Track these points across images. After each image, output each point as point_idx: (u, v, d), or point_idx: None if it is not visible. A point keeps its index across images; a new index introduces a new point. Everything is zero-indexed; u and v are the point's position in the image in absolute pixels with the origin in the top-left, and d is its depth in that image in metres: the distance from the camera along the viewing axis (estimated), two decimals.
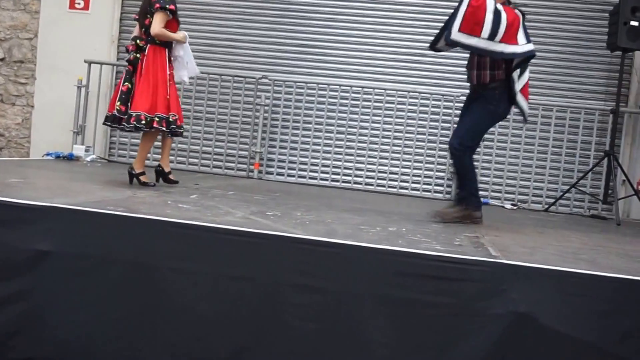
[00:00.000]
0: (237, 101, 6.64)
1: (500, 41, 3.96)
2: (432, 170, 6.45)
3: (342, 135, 6.54)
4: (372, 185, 6.49)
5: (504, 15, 3.94)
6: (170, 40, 4.64)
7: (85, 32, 6.89)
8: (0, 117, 7.26)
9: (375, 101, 6.48)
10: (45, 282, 2.99)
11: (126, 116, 4.50)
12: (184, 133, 4.97)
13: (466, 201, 4.27)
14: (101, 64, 6.76)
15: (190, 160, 6.71)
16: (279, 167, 6.63)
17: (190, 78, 5.17)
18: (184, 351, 2.88)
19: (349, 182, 6.51)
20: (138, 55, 4.61)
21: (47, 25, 7.04)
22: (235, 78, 6.58)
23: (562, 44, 6.34)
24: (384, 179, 6.49)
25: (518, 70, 4.14)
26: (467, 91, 6.42)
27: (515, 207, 6.16)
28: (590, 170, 5.99)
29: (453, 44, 4.16)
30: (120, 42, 6.94)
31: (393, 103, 6.46)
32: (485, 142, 6.33)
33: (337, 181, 6.53)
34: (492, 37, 3.94)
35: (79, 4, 6.97)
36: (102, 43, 6.91)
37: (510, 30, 3.97)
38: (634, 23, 5.48)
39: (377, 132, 6.49)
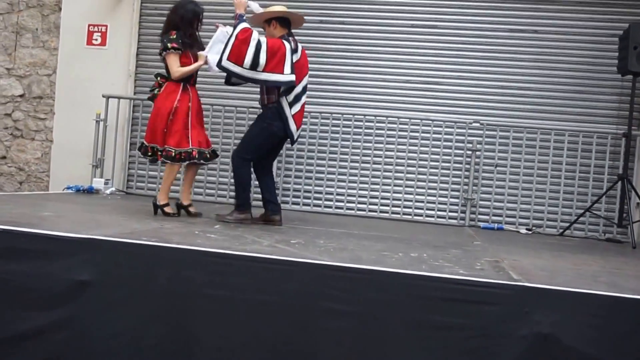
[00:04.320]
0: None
1: (264, 70, 4.51)
2: (446, 197, 6.51)
3: (357, 164, 6.63)
4: (386, 212, 6.55)
5: (264, 47, 4.48)
6: (188, 73, 4.79)
7: (102, 67, 7.05)
8: (20, 152, 7.40)
9: (388, 129, 6.57)
10: (84, 311, 3.12)
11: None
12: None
13: (242, 206, 4.79)
14: (119, 98, 6.89)
15: (207, 191, 6.81)
16: (294, 196, 6.70)
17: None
18: None
19: (364, 210, 6.58)
20: (157, 92, 4.81)
21: (66, 62, 7.21)
22: (250, 109, 6.70)
23: (573, 69, 6.44)
24: (399, 206, 6.55)
25: (292, 96, 4.69)
26: (480, 117, 6.62)
27: (530, 232, 6.20)
28: (604, 194, 6.03)
29: (225, 71, 4.64)
30: (137, 76, 7.12)
31: (406, 131, 6.55)
32: (499, 168, 6.43)
33: (352, 209, 6.60)
34: (254, 67, 4.49)
35: (96, 40, 7.14)
36: (119, 78, 7.07)
37: (272, 60, 4.51)
38: None
39: (391, 159, 6.57)
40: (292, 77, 4.60)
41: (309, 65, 5.04)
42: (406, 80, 6.69)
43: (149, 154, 4.84)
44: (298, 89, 4.74)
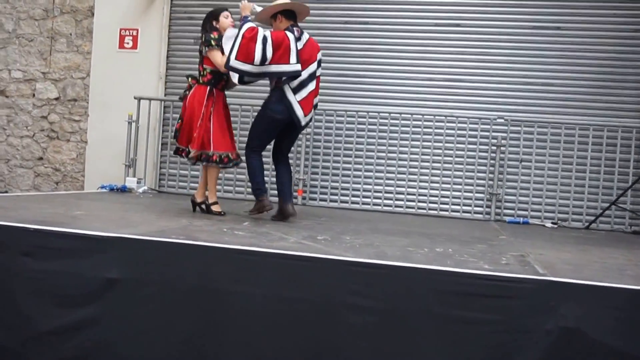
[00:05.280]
0: None
1: (271, 63, 4.61)
2: (471, 192, 6.56)
3: (382, 160, 6.71)
4: (412, 208, 6.62)
5: (269, 41, 4.59)
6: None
7: (134, 70, 7.22)
8: (56, 153, 7.64)
9: (413, 126, 6.64)
10: (113, 309, 3.16)
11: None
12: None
13: (258, 195, 4.86)
14: (150, 99, 7.05)
15: (237, 189, 6.96)
16: (321, 192, 6.81)
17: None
18: None
19: (390, 206, 6.66)
20: (186, 93, 4.94)
21: (99, 65, 7.41)
22: None
23: (596, 64, 6.44)
24: (425, 202, 6.62)
25: (295, 83, 4.75)
26: (504, 114, 6.64)
27: (555, 226, 6.22)
28: (630, 187, 6.03)
29: (234, 71, 4.70)
30: (168, 78, 7.28)
31: (431, 127, 6.61)
32: (524, 163, 6.46)
33: (379, 205, 6.68)
34: (263, 62, 4.59)
35: (127, 43, 7.32)
36: (150, 80, 7.24)
37: (277, 52, 4.61)
38: None
39: (417, 156, 6.64)
40: (298, 67, 4.67)
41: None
42: (430, 78, 6.74)
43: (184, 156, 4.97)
44: (303, 75, 4.76)
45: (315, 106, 5.12)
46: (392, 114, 6.67)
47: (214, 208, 4.94)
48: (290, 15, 4.86)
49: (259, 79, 4.93)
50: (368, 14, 6.87)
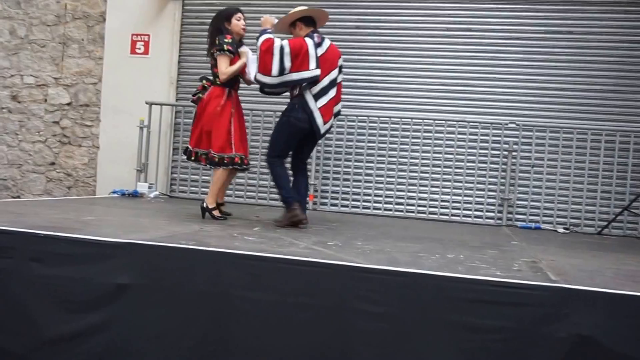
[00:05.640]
0: None
1: (291, 71, 4.60)
2: (482, 197, 6.52)
3: (394, 165, 6.69)
4: (424, 213, 6.59)
5: (287, 51, 4.57)
6: (237, 72, 4.88)
7: (145, 75, 7.25)
8: (68, 158, 7.68)
9: (424, 131, 6.62)
10: (124, 314, 3.16)
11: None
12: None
13: (287, 204, 4.74)
14: (161, 104, 7.08)
15: (248, 193, 6.96)
16: (332, 197, 6.80)
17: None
18: None
19: (401, 211, 6.64)
20: (201, 95, 4.90)
21: (110, 70, 7.44)
22: None
23: (608, 69, 6.39)
24: (436, 207, 6.59)
25: (316, 89, 4.68)
26: (516, 119, 6.60)
27: (567, 231, 6.17)
28: None
29: (261, 84, 4.76)
30: (179, 83, 7.31)
31: (442, 132, 6.59)
32: (536, 168, 6.42)
33: (390, 210, 6.66)
34: (281, 72, 4.59)
35: (139, 49, 7.35)
36: (161, 85, 7.26)
37: (297, 60, 4.59)
38: None
39: (427, 161, 6.62)
40: (317, 72, 4.64)
41: (344, 64, 5.03)
42: (441, 83, 6.72)
43: (193, 158, 4.94)
44: (324, 82, 4.71)
45: (338, 114, 5.06)
46: (403, 119, 6.65)
47: (215, 213, 4.90)
48: (309, 22, 4.83)
49: (281, 91, 4.90)
50: (380, 18, 6.86)
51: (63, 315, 3.20)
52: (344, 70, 5.05)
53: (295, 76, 4.61)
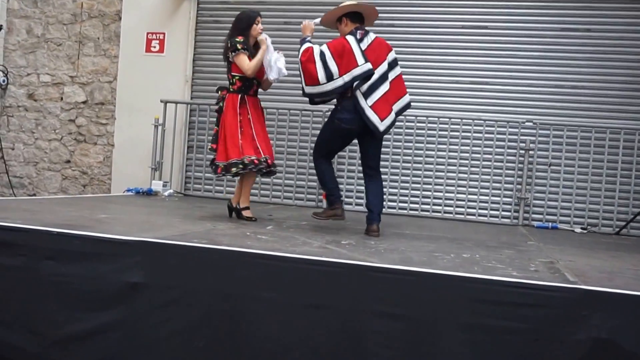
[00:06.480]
0: (305, 134, 6.86)
1: (340, 75, 4.36)
2: (499, 196, 6.46)
3: (409, 164, 6.65)
4: (439, 212, 6.54)
5: (328, 55, 4.36)
6: (259, 64, 4.77)
7: (160, 74, 7.26)
8: (84, 156, 7.73)
9: (440, 129, 6.57)
10: (136, 313, 3.16)
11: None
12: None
13: (329, 201, 4.69)
14: (176, 103, 7.09)
15: (262, 192, 6.95)
16: (347, 196, 6.76)
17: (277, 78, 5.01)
18: None
19: (416, 210, 6.59)
20: (222, 104, 4.85)
21: (126, 69, 7.47)
22: (303, 112, 6.80)
23: (626, 67, 6.31)
24: (451, 206, 6.54)
25: (365, 87, 4.44)
26: (533, 117, 6.51)
27: (585, 231, 6.10)
28: None
29: (311, 96, 4.54)
30: (194, 81, 7.32)
31: (458, 131, 6.54)
32: (553, 167, 6.33)
33: (405, 209, 6.62)
34: (329, 79, 4.36)
35: (154, 47, 7.37)
36: (176, 83, 7.27)
37: (342, 61, 4.36)
38: None
39: (443, 159, 6.57)
40: (369, 65, 4.38)
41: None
42: (457, 81, 6.66)
43: (224, 173, 4.80)
44: (372, 79, 4.45)
45: (405, 108, 4.79)
46: (418, 117, 6.60)
47: (245, 213, 4.88)
48: (357, 18, 4.63)
49: (333, 96, 4.61)
50: (394, 16, 6.81)
51: (76, 313, 3.20)
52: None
53: (347, 77, 4.36)
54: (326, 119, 4.88)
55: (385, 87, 4.53)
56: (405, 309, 2.89)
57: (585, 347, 2.70)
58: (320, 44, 4.45)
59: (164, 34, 7.34)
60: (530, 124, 6.38)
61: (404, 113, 4.76)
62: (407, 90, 6.77)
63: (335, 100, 4.63)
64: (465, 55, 6.64)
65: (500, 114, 6.52)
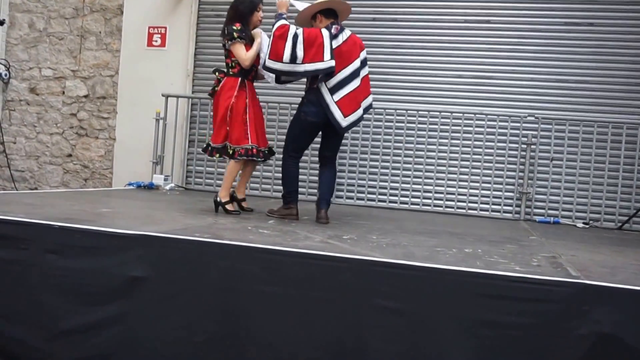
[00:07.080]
0: None
1: (304, 62, 4.47)
2: (500, 191, 6.45)
3: (410, 158, 6.64)
4: (440, 206, 6.54)
5: (300, 39, 4.45)
6: (255, 55, 4.75)
7: (162, 68, 7.26)
8: (85, 150, 7.72)
9: (442, 124, 6.55)
10: (138, 307, 3.16)
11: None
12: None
13: (285, 201, 4.80)
14: (177, 97, 7.08)
15: (264, 186, 6.95)
16: (348, 190, 6.77)
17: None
18: None
19: (418, 204, 6.59)
20: (217, 88, 4.85)
21: (127, 63, 7.46)
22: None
23: (629, 61, 6.28)
24: (453, 200, 6.53)
25: (333, 82, 4.56)
26: (535, 111, 6.50)
27: (587, 226, 6.09)
28: None
29: (269, 71, 4.62)
30: (195, 76, 7.30)
31: (460, 125, 6.52)
32: (555, 161, 6.32)
33: (406, 203, 6.61)
34: (293, 60, 4.46)
35: (156, 41, 7.36)
36: (178, 77, 7.26)
37: (310, 50, 4.46)
38: None
39: (445, 154, 6.56)
40: (332, 63, 4.49)
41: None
42: (459, 75, 6.64)
43: (216, 155, 4.84)
44: (341, 75, 4.57)
45: (368, 108, 4.89)
46: (420, 112, 6.59)
47: (229, 207, 4.82)
48: (330, 14, 4.71)
49: (297, 78, 4.80)
50: (397, 10, 6.80)
51: (78, 307, 3.20)
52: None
53: (309, 67, 4.48)
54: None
55: (355, 84, 4.66)
56: (407, 304, 2.88)
57: (588, 342, 2.69)
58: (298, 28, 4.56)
59: (165, 28, 7.33)
60: (532, 118, 6.36)
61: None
62: (410, 84, 6.81)
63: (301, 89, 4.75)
64: (467, 49, 6.62)
65: (502, 108, 6.50)
